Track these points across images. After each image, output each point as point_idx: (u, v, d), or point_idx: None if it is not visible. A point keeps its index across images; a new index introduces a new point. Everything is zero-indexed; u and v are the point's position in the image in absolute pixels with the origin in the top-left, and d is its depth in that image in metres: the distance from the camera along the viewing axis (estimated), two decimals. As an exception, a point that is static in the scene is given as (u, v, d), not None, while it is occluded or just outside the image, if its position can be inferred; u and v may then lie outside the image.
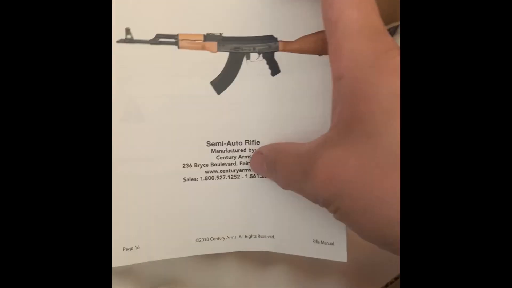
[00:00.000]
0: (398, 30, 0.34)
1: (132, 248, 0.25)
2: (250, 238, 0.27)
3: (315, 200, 0.22)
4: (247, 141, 0.26)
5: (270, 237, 0.27)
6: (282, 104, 0.25)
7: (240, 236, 0.27)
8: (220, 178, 0.26)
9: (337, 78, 0.21)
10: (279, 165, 0.24)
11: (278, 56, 0.25)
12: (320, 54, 0.25)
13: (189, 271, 0.31)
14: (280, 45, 0.25)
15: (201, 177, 0.26)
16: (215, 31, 0.25)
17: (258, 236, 0.27)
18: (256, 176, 0.26)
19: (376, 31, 0.20)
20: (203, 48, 0.25)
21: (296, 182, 0.22)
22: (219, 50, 0.25)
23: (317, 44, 0.25)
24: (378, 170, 0.18)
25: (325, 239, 0.26)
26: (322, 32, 0.24)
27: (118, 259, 0.25)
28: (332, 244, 0.25)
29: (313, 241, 0.26)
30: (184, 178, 0.26)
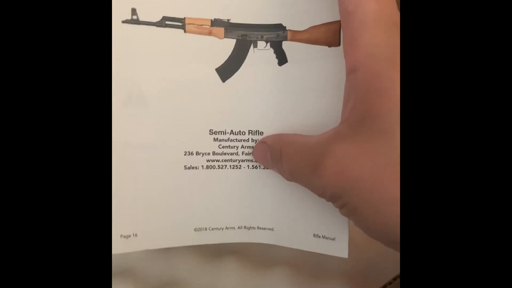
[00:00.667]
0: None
1: (130, 236, 0.24)
2: (249, 229, 0.26)
3: (321, 194, 0.21)
4: (250, 131, 0.25)
5: (270, 229, 0.26)
6: (288, 95, 0.25)
7: (239, 227, 0.26)
8: (222, 168, 0.25)
9: (351, 71, 0.20)
10: (285, 156, 0.23)
11: (286, 45, 0.24)
12: (329, 46, 0.24)
13: (190, 272, 0.31)
14: (289, 34, 0.24)
15: (202, 166, 0.25)
16: (223, 16, 0.24)
17: (258, 228, 0.26)
18: (258, 167, 0.26)
19: (393, 24, 0.19)
20: (209, 33, 0.24)
21: (302, 174, 0.22)
22: (226, 36, 0.24)
23: (327, 35, 0.24)
24: (390, 168, 0.18)
25: (326, 234, 0.25)
26: (333, 23, 0.24)
27: (116, 246, 0.24)
28: (333, 239, 0.25)
29: (314, 235, 0.25)
30: (185, 166, 0.25)
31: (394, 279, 0.29)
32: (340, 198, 0.20)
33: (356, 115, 0.20)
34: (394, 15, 0.20)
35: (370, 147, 0.19)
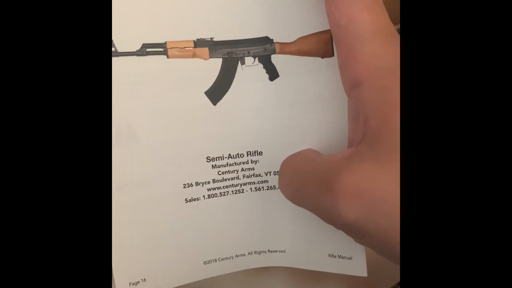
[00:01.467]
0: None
1: (138, 282, 0.23)
2: (260, 254, 0.25)
3: (332, 220, 0.19)
4: (248, 153, 0.24)
5: (281, 251, 0.25)
6: (284, 110, 0.24)
7: (249, 253, 0.25)
8: (224, 195, 0.24)
9: (354, 86, 0.19)
10: (287, 173, 0.22)
11: (276, 59, 0.23)
12: (322, 57, 0.23)
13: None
14: (277, 47, 0.23)
15: (204, 196, 0.24)
16: (206, 36, 0.22)
17: (269, 251, 0.25)
18: (261, 189, 0.25)
19: (390, 35, 0.18)
20: (194, 55, 0.23)
21: (308, 194, 0.20)
22: (211, 56, 0.23)
23: (318, 46, 0.23)
24: None
25: (342, 253, 0.24)
26: (323, 32, 0.23)
27: (124, 295, 0.23)
28: (350, 258, 0.24)
29: (329, 255, 0.25)
30: (185, 199, 0.24)
31: (398, 284, 0.29)
32: (362, 227, 0.17)
33: (371, 131, 0.18)
34: (389, 25, 0.19)
35: (392, 164, 0.17)
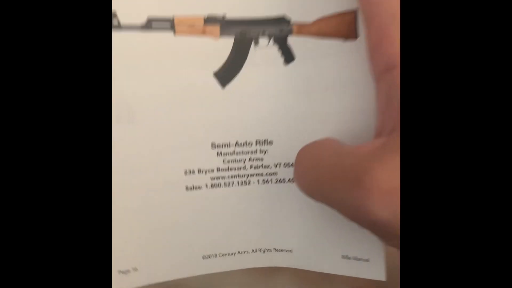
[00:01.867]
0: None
1: (128, 271, 0.22)
2: (264, 252, 0.24)
3: (359, 218, 0.17)
4: (258, 141, 0.22)
5: (288, 251, 0.24)
6: (298, 97, 0.22)
7: (253, 251, 0.24)
8: (228, 185, 0.23)
9: (387, 69, 0.17)
10: (304, 163, 0.19)
11: (292, 41, 0.21)
12: (345, 39, 0.21)
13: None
14: (294, 28, 0.21)
15: (206, 185, 0.23)
16: (217, 12, 0.21)
17: (274, 250, 0.24)
18: (270, 181, 0.23)
19: None
20: (203, 33, 0.21)
21: (332, 190, 0.17)
22: (222, 35, 0.21)
23: (340, 27, 0.21)
24: None
25: (358, 255, 0.22)
26: (346, 13, 0.21)
27: (112, 284, 0.21)
28: (367, 260, 0.22)
29: (343, 256, 0.23)
30: (186, 186, 0.22)
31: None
32: (395, 228, 0.15)
33: None
34: None
35: None
